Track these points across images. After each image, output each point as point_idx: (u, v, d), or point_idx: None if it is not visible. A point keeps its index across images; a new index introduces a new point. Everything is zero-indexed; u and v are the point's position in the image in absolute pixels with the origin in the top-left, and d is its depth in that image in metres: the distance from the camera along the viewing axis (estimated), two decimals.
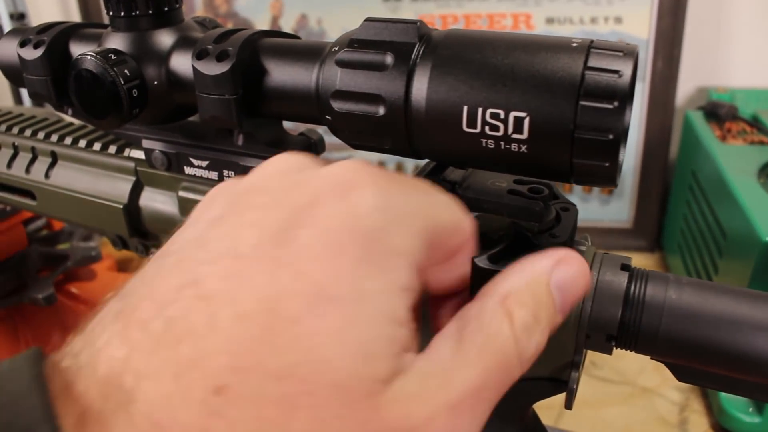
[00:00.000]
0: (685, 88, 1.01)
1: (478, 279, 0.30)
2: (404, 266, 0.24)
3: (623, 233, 1.05)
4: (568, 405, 0.36)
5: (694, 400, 0.75)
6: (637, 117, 1.00)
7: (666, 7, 0.95)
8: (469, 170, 0.36)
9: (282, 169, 0.27)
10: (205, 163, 0.42)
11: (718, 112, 0.89)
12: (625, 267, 0.34)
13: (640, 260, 0.71)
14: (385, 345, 0.23)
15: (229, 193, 0.27)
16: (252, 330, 0.21)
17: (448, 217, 0.27)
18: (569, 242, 0.33)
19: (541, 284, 0.27)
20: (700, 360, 0.32)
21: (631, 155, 1.02)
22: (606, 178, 0.30)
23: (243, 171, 0.41)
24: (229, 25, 0.58)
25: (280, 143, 0.40)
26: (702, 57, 1.00)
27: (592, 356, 0.82)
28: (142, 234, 0.48)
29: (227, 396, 0.20)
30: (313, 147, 0.42)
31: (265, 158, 0.40)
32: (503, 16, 1.00)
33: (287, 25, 1.08)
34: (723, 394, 0.69)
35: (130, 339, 0.22)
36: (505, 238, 0.33)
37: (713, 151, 0.79)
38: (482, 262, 0.31)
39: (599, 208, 1.05)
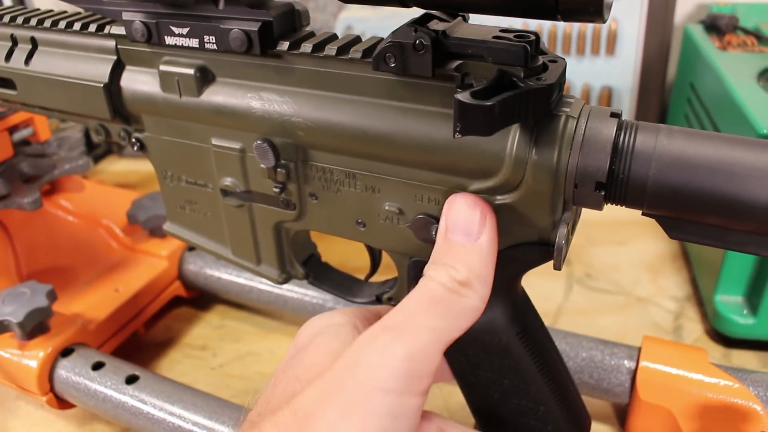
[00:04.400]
0: (685, 4, 0.99)
1: (460, 115, 0.30)
2: None
3: None
4: (557, 264, 0.36)
5: (689, 309, 0.75)
6: (635, 35, 0.98)
7: None
8: (453, 21, 0.35)
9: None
10: (185, 30, 0.41)
11: (718, 23, 0.87)
12: (615, 114, 0.33)
13: None
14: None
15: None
16: None
17: None
18: (556, 87, 0.32)
19: (440, 244, 0.36)
20: (691, 209, 0.31)
21: (629, 74, 1.00)
22: (593, 9, 0.29)
23: (223, 35, 0.39)
24: None
25: (262, 6, 0.39)
26: None
27: (587, 268, 0.82)
28: (124, 117, 0.47)
29: None
30: (297, 15, 0.41)
31: (246, 21, 0.39)
32: None
33: None
34: (718, 299, 0.68)
35: None
36: (491, 82, 0.32)
37: (712, 60, 0.77)
38: (464, 97, 0.30)
39: None
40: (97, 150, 1.14)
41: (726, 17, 0.87)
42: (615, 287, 0.79)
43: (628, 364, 0.57)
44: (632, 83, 1.01)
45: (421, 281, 0.35)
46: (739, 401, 0.52)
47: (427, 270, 0.35)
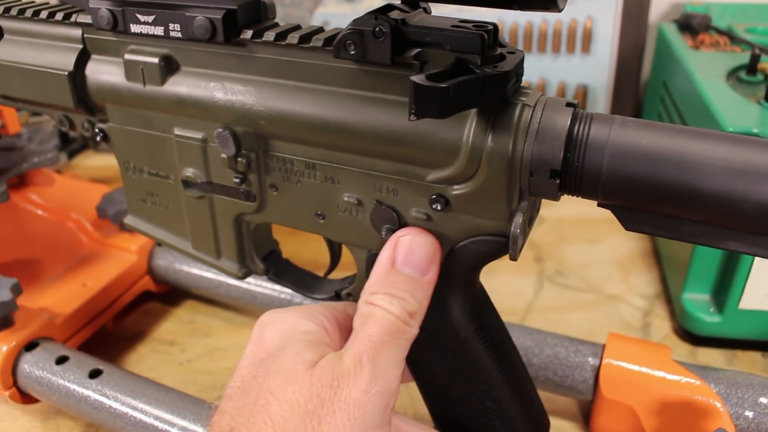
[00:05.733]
0: (660, 3, 1.00)
1: (415, 97, 0.30)
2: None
3: None
4: (513, 255, 0.36)
5: (658, 306, 0.75)
6: (610, 33, 0.98)
7: None
8: (413, 12, 0.35)
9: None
10: (151, 18, 0.41)
11: (692, 23, 0.87)
12: (570, 104, 0.33)
13: None
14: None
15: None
16: None
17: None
18: (512, 76, 0.32)
19: (388, 272, 0.37)
20: (645, 199, 0.31)
21: (604, 72, 1.00)
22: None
23: (188, 22, 0.39)
24: None
25: None
26: None
27: (558, 265, 0.82)
28: (88, 107, 0.47)
29: None
30: (263, 7, 0.41)
31: (210, 9, 0.39)
32: None
33: None
34: (686, 297, 0.68)
35: None
36: (448, 67, 0.32)
37: (684, 59, 0.78)
38: (419, 79, 0.30)
39: None
40: (73, 144, 1.13)
41: (699, 17, 0.87)
42: (586, 285, 0.79)
43: (592, 361, 0.57)
44: (607, 81, 1.01)
45: (375, 310, 0.37)
46: (700, 398, 0.52)
47: (378, 299, 0.37)
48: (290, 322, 0.40)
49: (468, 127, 0.34)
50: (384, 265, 0.38)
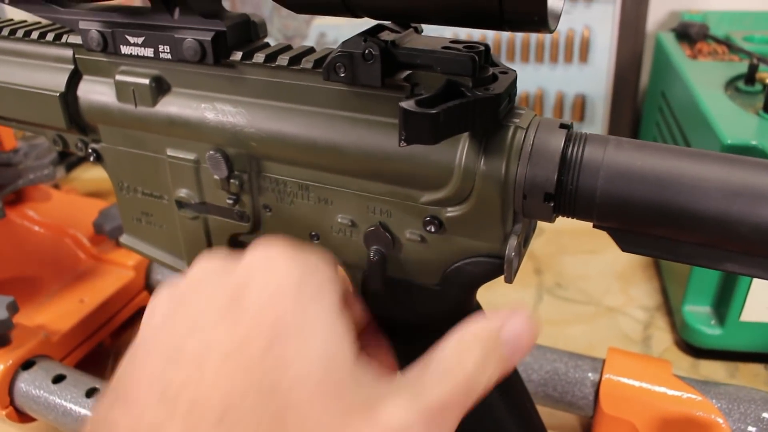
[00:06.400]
0: (657, 12, 1.00)
1: (404, 123, 0.29)
2: (330, 296, 0.31)
3: None
4: (508, 278, 0.35)
5: (658, 318, 0.75)
6: (608, 42, 0.98)
7: None
8: (404, 32, 0.35)
9: (210, 264, 0.33)
10: (140, 40, 0.41)
11: (689, 32, 0.87)
12: (564, 126, 0.33)
13: None
14: (339, 350, 0.29)
15: (170, 295, 0.32)
16: (232, 369, 0.26)
17: (335, 268, 0.34)
18: (505, 98, 0.32)
19: (493, 336, 0.32)
20: (640, 221, 0.31)
21: (602, 82, 1.00)
22: (537, 19, 0.28)
23: (177, 44, 0.39)
24: None
25: (217, 16, 0.39)
26: None
27: (557, 277, 0.81)
28: (80, 128, 0.47)
29: (229, 420, 0.25)
30: (253, 27, 0.41)
31: (200, 30, 0.39)
32: None
33: None
34: (687, 309, 0.68)
35: (136, 407, 0.27)
36: (438, 91, 0.31)
37: (682, 68, 0.77)
38: (409, 105, 0.29)
39: None
40: (71, 158, 1.13)
41: (697, 25, 0.87)
42: (585, 297, 0.79)
43: (592, 376, 0.56)
44: (605, 91, 1.01)
45: (467, 363, 0.32)
46: (701, 414, 0.52)
47: (474, 353, 0.32)
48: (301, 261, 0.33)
49: (460, 150, 0.33)
50: (490, 327, 0.32)
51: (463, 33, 0.94)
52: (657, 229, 0.31)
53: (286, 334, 0.28)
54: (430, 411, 0.29)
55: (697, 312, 0.68)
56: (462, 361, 0.31)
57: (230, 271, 0.31)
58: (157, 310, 0.32)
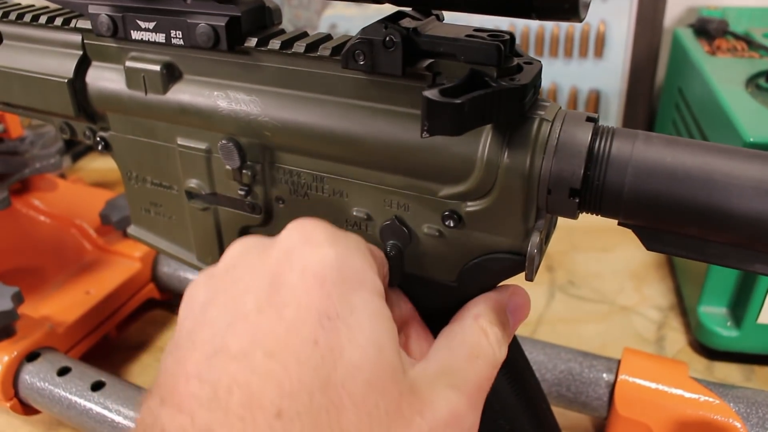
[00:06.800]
0: (675, 7, 0.98)
1: (428, 113, 0.28)
2: (373, 279, 0.30)
3: None
4: (529, 275, 0.34)
5: (672, 318, 0.73)
6: (624, 37, 0.97)
7: None
8: (426, 19, 0.34)
9: (245, 246, 0.33)
10: (152, 25, 0.40)
11: (708, 28, 0.85)
12: (591, 119, 0.32)
13: None
14: (387, 336, 0.28)
15: (207, 282, 0.32)
16: (283, 362, 0.26)
17: (370, 251, 0.33)
18: (530, 89, 0.31)
19: (503, 310, 0.36)
20: (669, 219, 0.30)
21: (617, 77, 0.99)
22: (567, 6, 0.27)
23: (190, 29, 0.38)
24: None
25: (231, 1, 0.38)
26: None
27: (570, 275, 0.80)
28: (89, 115, 0.46)
29: (286, 416, 0.25)
30: (267, 12, 0.40)
31: (214, 15, 0.37)
32: None
33: None
34: (702, 310, 0.67)
35: (185, 410, 0.25)
36: (462, 81, 0.30)
37: (701, 64, 0.76)
38: (432, 94, 0.28)
39: None
40: (77, 147, 1.12)
41: (716, 21, 0.85)
42: (598, 295, 0.77)
43: (607, 377, 0.55)
44: (620, 87, 0.99)
45: (485, 345, 0.34)
46: (719, 418, 0.51)
47: (491, 332, 0.35)
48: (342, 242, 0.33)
49: (483, 142, 0.32)
50: (500, 300, 0.36)
51: (478, 24, 0.93)
52: (686, 228, 0.30)
53: (333, 322, 0.27)
54: (471, 394, 0.31)
55: (713, 313, 0.67)
56: (485, 340, 0.33)
57: (267, 254, 0.31)
58: (195, 299, 0.31)
